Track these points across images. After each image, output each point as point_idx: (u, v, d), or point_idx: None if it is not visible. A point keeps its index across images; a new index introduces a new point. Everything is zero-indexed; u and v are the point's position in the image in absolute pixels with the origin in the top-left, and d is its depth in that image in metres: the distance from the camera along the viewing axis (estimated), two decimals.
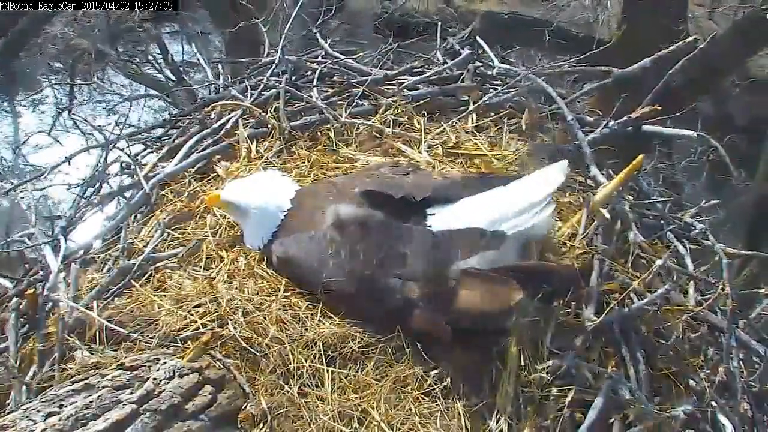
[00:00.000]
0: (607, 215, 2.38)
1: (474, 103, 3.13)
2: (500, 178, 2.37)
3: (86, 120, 3.69)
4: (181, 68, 8.54)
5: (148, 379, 1.89)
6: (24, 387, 2.09)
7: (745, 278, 4.01)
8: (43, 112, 9.31)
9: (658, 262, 2.30)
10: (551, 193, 2.18)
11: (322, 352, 2.08)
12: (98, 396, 1.80)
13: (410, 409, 2.00)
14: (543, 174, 2.22)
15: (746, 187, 5.85)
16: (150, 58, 9.34)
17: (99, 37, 7.79)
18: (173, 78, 8.33)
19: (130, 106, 3.93)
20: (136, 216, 2.77)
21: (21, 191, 3.19)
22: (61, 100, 8.91)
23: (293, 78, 3.36)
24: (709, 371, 2.21)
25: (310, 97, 3.18)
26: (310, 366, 2.05)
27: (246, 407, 1.99)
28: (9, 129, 9.48)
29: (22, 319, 2.32)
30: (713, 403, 2.13)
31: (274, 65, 3.45)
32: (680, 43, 3.09)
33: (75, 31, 8.19)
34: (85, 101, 9.04)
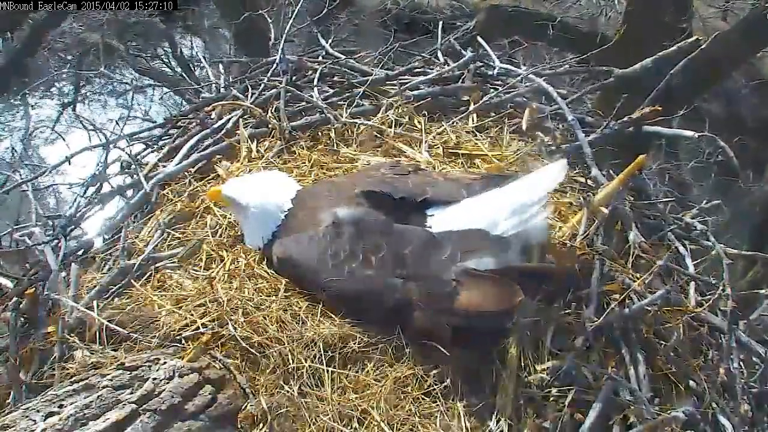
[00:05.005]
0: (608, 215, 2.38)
1: (474, 104, 3.12)
2: (500, 179, 2.37)
3: (87, 119, 3.67)
4: (189, 63, 8.50)
5: (148, 379, 1.89)
6: (24, 387, 2.09)
7: (750, 280, 4.00)
8: (52, 107, 9.31)
9: (659, 262, 2.30)
10: (548, 193, 2.18)
11: (322, 352, 2.08)
12: (98, 396, 1.80)
13: (410, 409, 2.00)
14: (542, 173, 2.22)
15: (754, 188, 5.83)
16: (159, 52, 9.31)
17: (108, 32, 7.77)
18: (182, 73, 8.30)
19: (132, 100, 3.91)
20: (136, 216, 2.77)
21: (22, 190, 3.19)
22: (68, 94, 8.90)
23: (294, 78, 3.36)
24: (709, 372, 2.21)
25: (311, 97, 3.18)
26: (310, 366, 2.05)
27: (246, 407, 1.99)
28: (21, 122, 9.51)
29: (22, 319, 2.32)
30: (713, 404, 2.13)
31: (274, 65, 3.45)
32: (682, 43, 3.08)
33: (83, 25, 8.17)
34: (95, 93, 9.02)
